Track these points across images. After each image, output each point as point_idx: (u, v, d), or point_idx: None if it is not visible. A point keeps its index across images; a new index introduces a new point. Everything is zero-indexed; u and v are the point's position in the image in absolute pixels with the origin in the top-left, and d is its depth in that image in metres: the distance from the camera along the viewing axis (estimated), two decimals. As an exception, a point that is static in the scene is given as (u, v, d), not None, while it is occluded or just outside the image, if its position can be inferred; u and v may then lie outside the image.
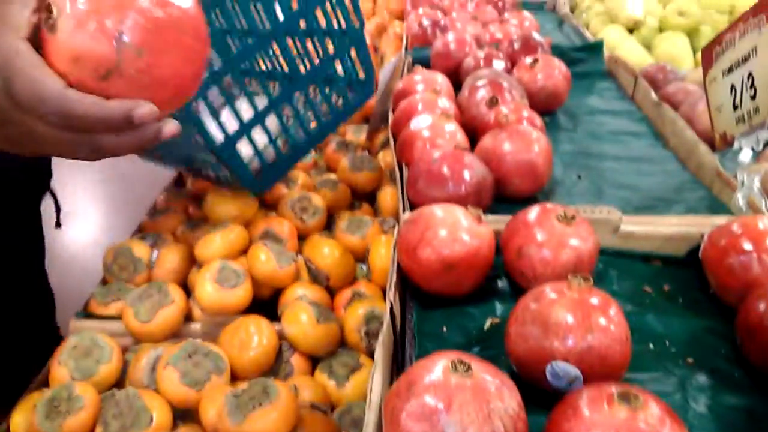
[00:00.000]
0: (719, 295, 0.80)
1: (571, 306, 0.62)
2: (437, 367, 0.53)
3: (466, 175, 0.92)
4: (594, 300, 0.63)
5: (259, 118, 1.04)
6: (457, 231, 0.76)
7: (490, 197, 0.95)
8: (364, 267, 1.11)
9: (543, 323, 0.62)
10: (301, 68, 1.14)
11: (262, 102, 1.05)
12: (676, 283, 0.84)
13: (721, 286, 0.79)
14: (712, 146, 1.08)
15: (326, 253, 1.00)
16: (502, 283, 0.84)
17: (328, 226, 1.21)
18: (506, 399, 0.52)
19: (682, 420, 0.62)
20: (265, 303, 1.02)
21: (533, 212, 0.80)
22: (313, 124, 1.14)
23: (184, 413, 0.83)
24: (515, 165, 0.98)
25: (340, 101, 1.18)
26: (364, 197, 1.34)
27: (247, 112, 1.03)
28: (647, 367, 0.71)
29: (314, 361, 0.93)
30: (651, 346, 0.74)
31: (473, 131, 1.14)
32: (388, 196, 1.26)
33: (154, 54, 0.49)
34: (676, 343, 0.74)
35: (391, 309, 0.74)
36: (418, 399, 0.51)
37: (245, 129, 1.02)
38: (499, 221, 0.85)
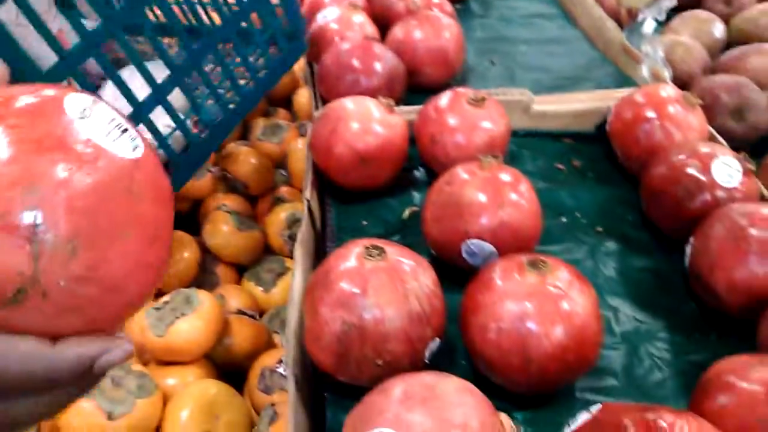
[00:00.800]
0: (626, 165, 0.82)
1: (482, 185, 0.63)
2: (352, 255, 0.53)
3: (377, 66, 0.89)
4: (504, 177, 0.64)
5: (158, 91, 0.73)
6: (369, 123, 0.75)
7: (403, 87, 0.93)
8: (284, 172, 1.09)
9: (456, 204, 0.63)
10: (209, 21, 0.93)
11: (159, 71, 0.74)
12: (585, 158, 0.87)
13: (626, 156, 0.81)
14: (620, 23, 1.08)
15: (242, 161, 0.97)
16: (419, 173, 0.84)
17: (244, 134, 1.17)
18: (421, 278, 0.53)
19: (592, 283, 0.65)
20: (185, 217, 0.99)
21: (444, 98, 0.79)
22: (229, 94, 0.88)
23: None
24: (427, 53, 0.96)
25: (262, 61, 0.92)
26: (279, 102, 1.29)
27: (141, 89, 0.72)
28: (560, 239, 0.74)
29: (241, 269, 0.92)
30: (563, 219, 0.77)
31: (384, 22, 1.10)
32: (303, 98, 1.22)
33: (95, 246, 0.29)
34: (586, 214, 0.77)
35: (309, 207, 0.73)
36: (334, 287, 0.52)
37: (141, 110, 0.72)
38: (412, 111, 0.84)
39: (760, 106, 0.90)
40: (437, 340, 0.54)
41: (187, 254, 0.84)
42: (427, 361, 0.54)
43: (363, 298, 0.50)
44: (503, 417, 0.44)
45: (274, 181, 1.04)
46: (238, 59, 0.86)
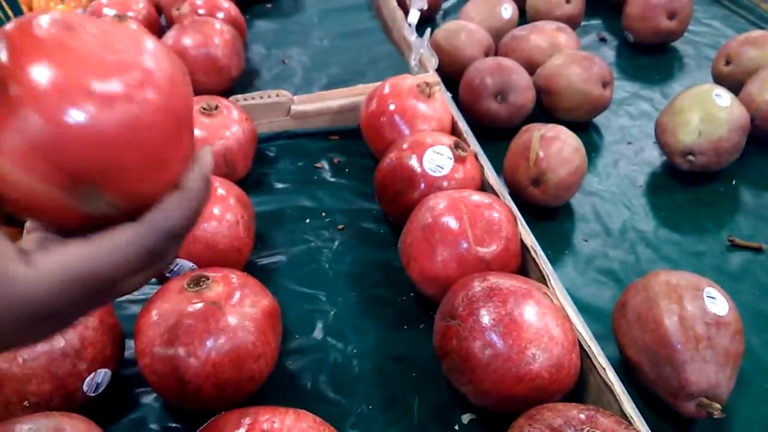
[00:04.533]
0: (378, 158, 0.82)
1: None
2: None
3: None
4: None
5: None
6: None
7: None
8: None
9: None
10: None
11: None
12: (347, 154, 0.86)
13: (375, 149, 0.81)
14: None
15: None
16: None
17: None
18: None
19: (321, 282, 0.64)
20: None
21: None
22: None
23: None
24: (194, 61, 0.94)
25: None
26: None
27: None
28: (303, 241, 0.73)
29: None
30: (308, 220, 0.76)
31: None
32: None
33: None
34: (332, 212, 0.77)
35: None
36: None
37: None
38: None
39: (519, 87, 0.91)
40: (103, 371, 0.52)
41: None
42: (92, 395, 0.52)
43: (-5, 341, 0.48)
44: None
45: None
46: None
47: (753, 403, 0.56)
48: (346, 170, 0.83)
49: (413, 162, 0.68)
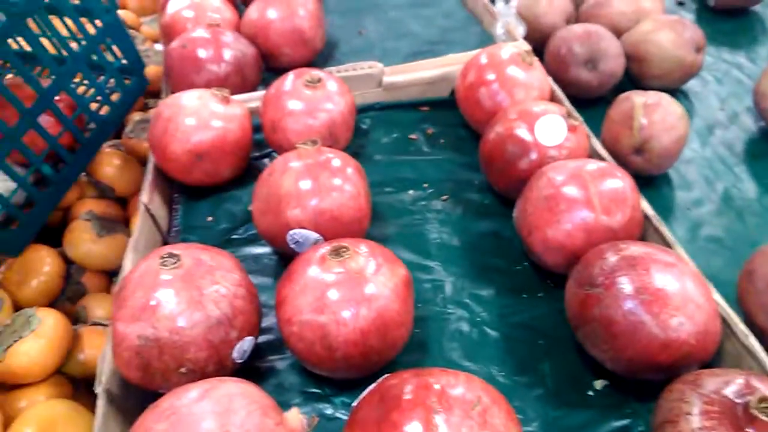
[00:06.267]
0: (474, 128, 0.82)
1: (299, 173, 0.62)
2: (146, 266, 0.53)
3: (224, 53, 0.87)
4: (324, 163, 0.63)
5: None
6: (200, 118, 0.73)
7: (257, 72, 0.91)
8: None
9: (276, 195, 0.62)
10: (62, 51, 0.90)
11: None
12: (440, 125, 0.86)
13: (472, 120, 0.81)
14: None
15: (105, 163, 0.95)
16: (270, 160, 0.83)
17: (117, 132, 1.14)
18: (221, 281, 0.53)
19: (437, 254, 0.65)
20: (54, 229, 0.96)
21: (283, 82, 0.77)
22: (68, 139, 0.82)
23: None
24: (281, 34, 0.94)
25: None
26: (158, 94, 1.25)
27: None
28: (408, 213, 0.74)
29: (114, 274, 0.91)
30: (411, 191, 0.76)
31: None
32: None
33: None
34: (434, 183, 0.77)
35: (147, 211, 0.72)
36: (128, 301, 0.51)
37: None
38: (257, 98, 0.82)
39: (610, 54, 0.90)
40: (249, 339, 0.54)
41: (48, 268, 0.82)
42: (239, 362, 0.54)
43: (156, 310, 0.50)
44: (290, 414, 0.45)
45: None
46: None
47: None
48: (441, 141, 0.83)
49: (525, 132, 0.68)
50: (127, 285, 0.52)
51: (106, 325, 0.76)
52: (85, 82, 1.01)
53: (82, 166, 0.90)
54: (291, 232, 0.62)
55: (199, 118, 0.73)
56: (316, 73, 0.76)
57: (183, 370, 0.51)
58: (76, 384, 0.73)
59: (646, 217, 0.62)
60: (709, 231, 0.72)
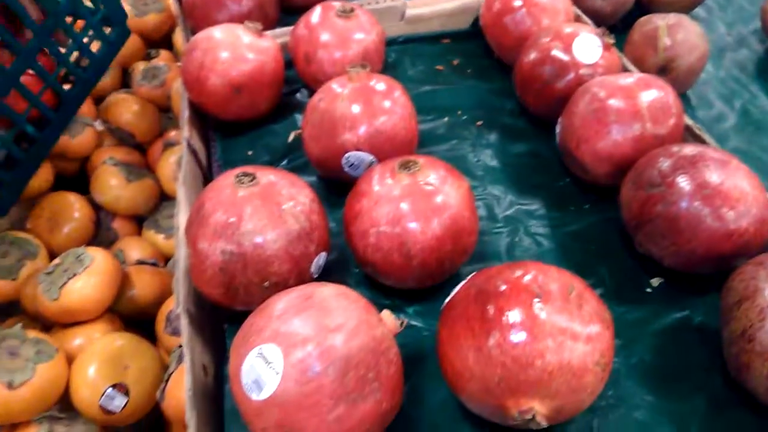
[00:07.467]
0: (501, 56, 0.84)
1: (352, 96, 0.63)
2: (223, 185, 0.53)
3: (243, -10, 0.85)
4: (374, 86, 0.64)
5: None
6: (237, 50, 0.73)
7: (276, 10, 0.90)
8: (171, 115, 1.05)
9: (330, 119, 0.63)
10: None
11: None
12: (464, 55, 0.87)
13: (500, 48, 0.83)
14: None
15: (123, 109, 0.93)
16: (301, 95, 0.83)
17: (125, 81, 1.12)
18: (297, 197, 0.53)
19: (475, 175, 0.67)
20: (74, 177, 0.95)
21: (313, 14, 0.77)
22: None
23: (9, 306, 0.79)
24: (295, -31, 0.93)
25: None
26: (160, 44, 1.23)
27: None
28: (445, 139, 0.75)
29: (141, 219, 0.90)
30: (446, 119, 0.78)
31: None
32: (181, 35, 1.17)
33: None
34: (467, 110, 0.79)
35: (189, 146, 0.72)
36: (209, 219, 0.51)
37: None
38: (285, 33, 0.82)
39: (624, -19, 0.91)
40: (323, 254, 0.55)
41: (78, 214, 0.82)
42: (315, 276, 0.55)
43: (239, 226, 0.51)
44: (385, 314, 0.46)
45: (162, 125, 1.01)
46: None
47: None
48: (468, 71, 0.85)
49: (562, 52, 0.69)
50: (204, 205, 0.53)
51: (154, 264, 0.76)
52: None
53: (66, 123, 0.85)
54: (347, 154, 0.63)
55: (237, 51, 0.72)
56: (347, 3, 0.76)
57: (266, 284, 0.52)
58: (126, 322, 0.74)
59: (687, 127, 0.65)
60: (734, 144, 0.76)
